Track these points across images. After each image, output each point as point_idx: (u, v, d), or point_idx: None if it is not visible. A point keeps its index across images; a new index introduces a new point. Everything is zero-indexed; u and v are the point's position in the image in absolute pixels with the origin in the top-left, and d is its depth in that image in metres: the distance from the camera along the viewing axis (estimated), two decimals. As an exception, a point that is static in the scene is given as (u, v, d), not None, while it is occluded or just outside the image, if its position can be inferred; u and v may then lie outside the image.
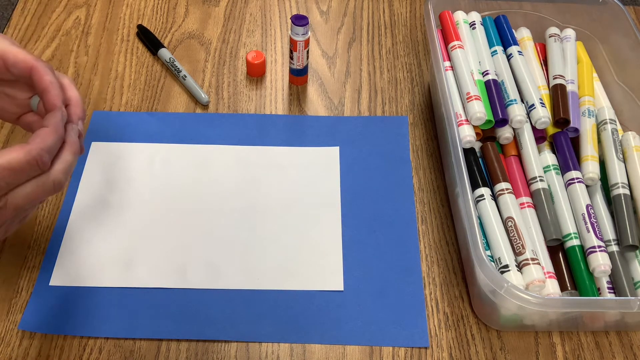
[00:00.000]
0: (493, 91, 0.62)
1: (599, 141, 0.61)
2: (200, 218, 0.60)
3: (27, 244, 0.58)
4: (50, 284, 0.55)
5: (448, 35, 0.67)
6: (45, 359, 0.51)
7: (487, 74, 0.63)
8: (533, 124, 0.61)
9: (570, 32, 0.70)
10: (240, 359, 0.52)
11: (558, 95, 0.63)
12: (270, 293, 0.55)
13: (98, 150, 0.65)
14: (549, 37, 0.69)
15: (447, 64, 0.65)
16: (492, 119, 0.60)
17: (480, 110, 0.59)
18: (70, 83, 0.48)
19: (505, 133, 0.61)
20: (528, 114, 0.61)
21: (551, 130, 0.62)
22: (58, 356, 0.52)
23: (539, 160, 0.60)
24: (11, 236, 0.58)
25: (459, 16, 0.69)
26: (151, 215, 0.60)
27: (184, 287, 0.55)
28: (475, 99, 0.60)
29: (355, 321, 0.54)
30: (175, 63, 0.72)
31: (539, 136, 0.62)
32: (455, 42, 0.65)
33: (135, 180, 0.63)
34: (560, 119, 0.61)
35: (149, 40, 0.75)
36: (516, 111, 0.60)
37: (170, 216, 0.60)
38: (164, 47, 0.74)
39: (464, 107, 0.61)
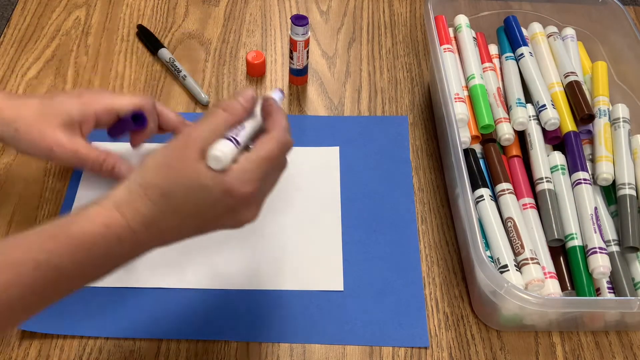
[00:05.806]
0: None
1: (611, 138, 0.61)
2: (200, 218, 0.60)
3: (27, 244, 0.58)
4: (50, 284, 0.55)
5: (440, 39, 0.67)
6: (45, 359, 0.51)
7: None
8: (543, 125, 0.61)
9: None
10: (240, 359, 0.52)
11: (576, 92, 0.62)
12: (270, 293, 0.55)
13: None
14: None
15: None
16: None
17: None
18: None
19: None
20: (538, 114, 0.61)
21: (565, 129, 0.61)
22: (58, 356, 0.52)
23: (547, 161, 0.60)
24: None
25: (461, 20, 0.68)
26: (151, 215, 0.60)
27: (184, 287, 0.55)
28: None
29: (355, 321, 0.54)
30: (175, 63, 0.72)
31: (554, 136, 0.61)
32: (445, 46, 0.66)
33: (135, 180, 0.62)
34: (585, 116, 0.61)
35: (149, 40, 0.75)
36: (518, 113, 0.60)
37: (170, 216, 0.60)
38: (164, 47, 0.74)
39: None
